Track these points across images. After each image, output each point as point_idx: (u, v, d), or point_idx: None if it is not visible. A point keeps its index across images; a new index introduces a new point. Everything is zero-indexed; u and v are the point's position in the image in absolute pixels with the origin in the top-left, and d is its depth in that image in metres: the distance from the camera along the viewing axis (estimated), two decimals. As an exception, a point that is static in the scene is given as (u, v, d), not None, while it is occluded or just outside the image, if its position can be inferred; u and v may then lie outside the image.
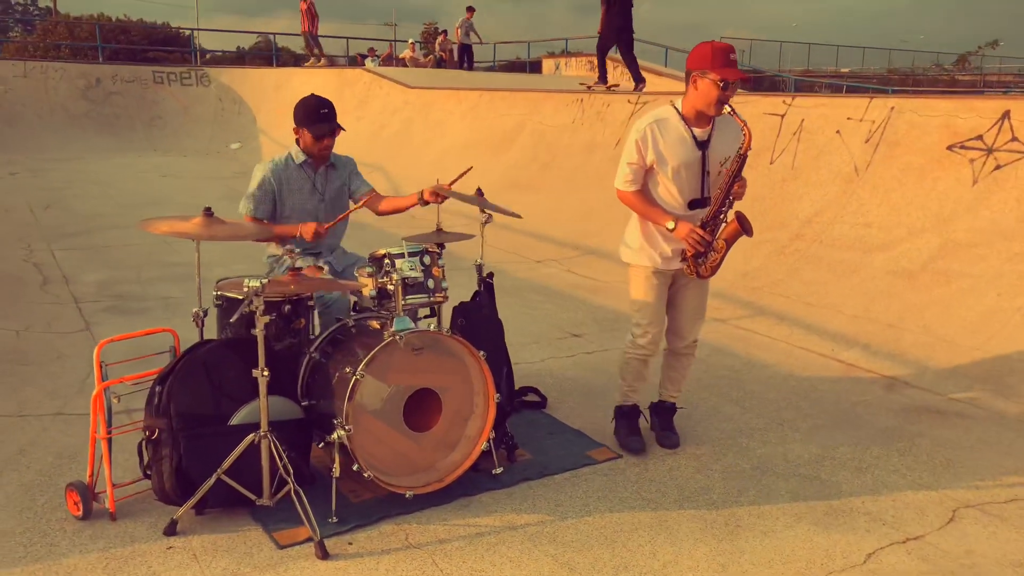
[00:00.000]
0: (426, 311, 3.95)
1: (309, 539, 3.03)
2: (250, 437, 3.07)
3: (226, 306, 3.51)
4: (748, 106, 8.44)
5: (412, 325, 3.36)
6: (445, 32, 23.64)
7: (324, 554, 2.93)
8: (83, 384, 4.53)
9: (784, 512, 3.33)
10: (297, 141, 4.11)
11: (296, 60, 26.62)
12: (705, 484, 3.56)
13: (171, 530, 3.05)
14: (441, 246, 3.89)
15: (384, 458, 3.24)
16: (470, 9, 22.01)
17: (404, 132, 14.27)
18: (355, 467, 3.19)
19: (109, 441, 3.17)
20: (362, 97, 16.35)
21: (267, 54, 36.08)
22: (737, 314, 6.19)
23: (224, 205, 11.50)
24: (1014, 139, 6.10)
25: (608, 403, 4.10)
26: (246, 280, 2.99)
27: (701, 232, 3.61)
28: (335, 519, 3.14)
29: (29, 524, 3.11)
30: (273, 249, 4.16)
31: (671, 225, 3.64)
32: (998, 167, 6.07)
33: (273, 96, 19.43)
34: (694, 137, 3.59)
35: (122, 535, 3.05)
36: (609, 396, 4.18)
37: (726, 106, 3.50)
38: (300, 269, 3.28)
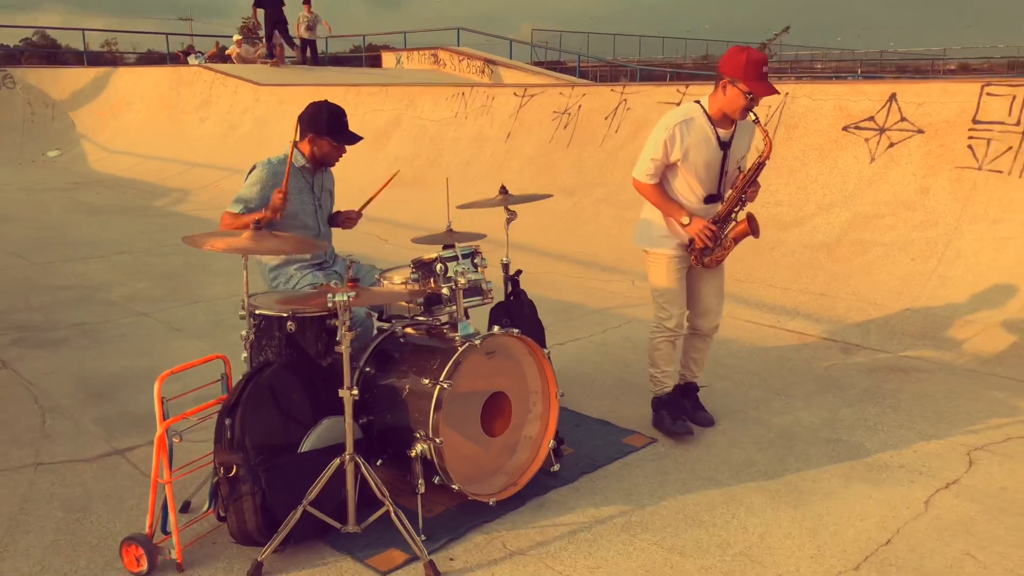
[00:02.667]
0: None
1: (408, 561, 2.89)
2: (336, 462, 2.87)
3: (264, 325, 3.25)
4: (642, 95, 8.77)
5: (474, 330, 3.27)
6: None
7: (436, 573, 2.81)
8: (45, 428, 4.04)
9: (831, 474, 3.53)
10: (296, 145, 3.86)
11: (113, 60, 24.66)
12: (747, 457, 3.71)
13: (256, 572, 2.80)
14: (451, 246, 3.79)
15: (461, 467, 3.14)
16: (307, 2, 21.27)
17: (259, 132, 13.62)
18: (436, 480, 3.07)
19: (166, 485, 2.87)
20: (204, 97, 15.43)
21: (46, 51, 33.14)
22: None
23: (77, 218, 10.73)
24: (903, 119, 6.72)
25: (600, 390, 4.24)
26: (330, 295, 2.79)
27: (713, 228, 3.76)
28: (423, 536, 3.01)
29: (87, 587, 2.76)
30: (274, 261, 3.89)
31: (686, 220, 3.79)
32: (891, 145, 6.67)
33: (93, 96, 17.95)
34: (718, 137, 3.72)
35: (203, 585, 2.78)
36: (599, 383, 4.34)
37: (750, 113, 3.66)
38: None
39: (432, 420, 2.99)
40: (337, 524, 2.91)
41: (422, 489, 3.04)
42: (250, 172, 3.84)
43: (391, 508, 2.86)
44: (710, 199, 3.84)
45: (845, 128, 6.95)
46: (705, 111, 3.75)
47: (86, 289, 6.74)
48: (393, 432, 3.16)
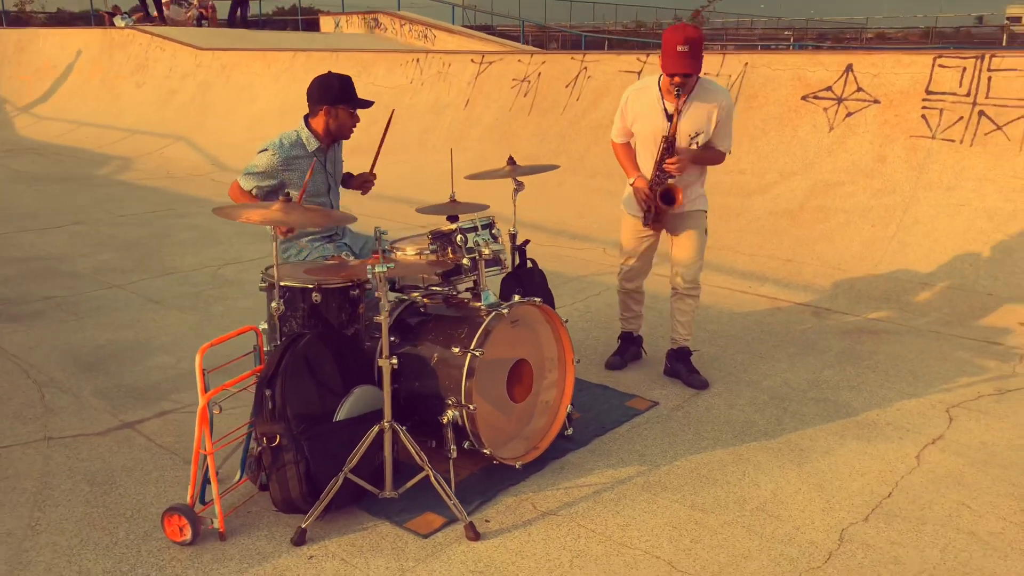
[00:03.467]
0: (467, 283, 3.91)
1: (445, 524, 2.99)
2: (375, 429, 2.94)
3: (288, 296, 3.25)
4: (602, 64, 8.85)
5: (496, 299, 3.35)
6: (205, -14, 21.93)
7: (476, 535, 2.91)
8: (45, 402, 3.98)
9: (826, 432, 3.75)
10: (309, 120, 3.86)
11: (23, 20, 23.48)
12: (746, 418, 3.90)
13: (301, 539, 2.86)
14: (455, 217, 3.85)
15: (488, 432, 3.23)
16: None
17: (201, 98, 13.26)
18: (467, 445, 3.16)
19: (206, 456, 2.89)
20: (140, 60, 14.89)
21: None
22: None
23: (17, 188, 10.38)
24: (859, 89, 6.98)
25: (594, 355, 4.59)
26: (370, 266, 2.83)
27: (646, 192, 4.02)
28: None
29: (132, 560, 2.78)
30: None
31: (631, 180, 4.12)
32: (849, 114, 6.93)
33: (15, 60, 17.15)
34: (664, 109, 3.88)
35: (249, 554, 2.82)
36: (590, 349, 4.65)
37: (676, 88, 3.78)
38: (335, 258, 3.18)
39: (465, 387, 3.07)
40: (375, 490, 2.98)
41: (454, 454, 3.13)
42: (261, 151, 3.80)
43: (431, 473, 2.94)
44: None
45: (804, 98, 7.18)
46: (658, 83, 3.93)
47: (48, 261, 6.55)
48: (420, 400, 3.23)
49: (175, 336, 4.91)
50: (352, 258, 3.72)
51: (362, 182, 4.13)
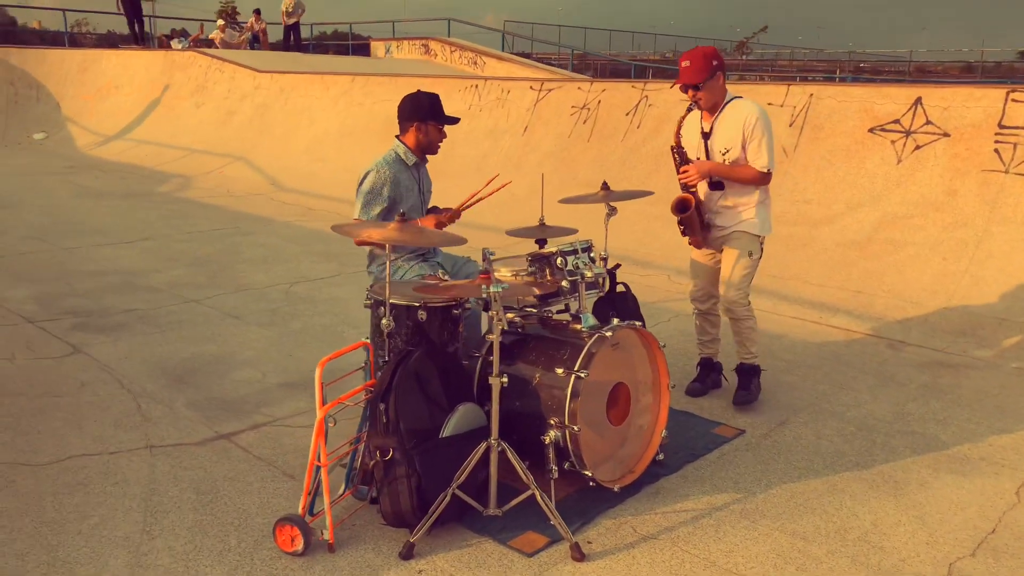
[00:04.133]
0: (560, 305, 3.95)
1: (549, 544, 3.01)
2: (483, 446, 2.98)
3: (395, 313, 3.31)
4: (664, 92, 8.92)
5: (595, 321, 3.39)
6: (258, 11, 22.45)
7: (581, 555, 2.93)
8: (143, 411, 4.07)
9: (919, 465, 3.72)
10: (400, 138, 3.96)
11: (76, 42, 24.13)
12: (835, 448, 3.88)
13: (409, 553, 2.89)
14: (544, 241, 3.90)
15: (588, 455, 3.25)
16: None
17: (259, 120, 13.53)
18: (567, 466, 3.19)
19: (319, 469, 2.94)
20: (200, 82, 15.25)
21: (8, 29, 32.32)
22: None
23: (85, 203, 10.68)
24: (928, 123, 6.96)
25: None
26: (484, 287, 2.88)
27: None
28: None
29: (247, 568, 2.83)
30: (380, 253, 3.95)
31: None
32: (918, 147, 6.91)
33: (78, 80, 17.63)
34: (702, 128, 4.08)
35: (359, 566, 2.86)
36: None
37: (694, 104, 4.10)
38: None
39: (569, 408, 3.10)
40: (479, 507, 3.01)
41: (556, 475, 3.15)
42: (364, 177, 3.88)
43: (537, 493, 2.97)
44: (713, 186, 4.16)
45: (871, 130, 7.17)
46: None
47: (124, 275, 6.70)
48: (521, 419, 3.26)
49: (257, 351, 5.00)
50: (447, 277, 3.78)
51: (448, 218, 4.13)
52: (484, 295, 2.89)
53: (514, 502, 3.03)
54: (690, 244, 4.34)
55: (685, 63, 3.99)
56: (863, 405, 4.40)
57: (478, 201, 3.97)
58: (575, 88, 9.69)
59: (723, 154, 4.08)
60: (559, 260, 3.42)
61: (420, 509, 2.92)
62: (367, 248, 4.00)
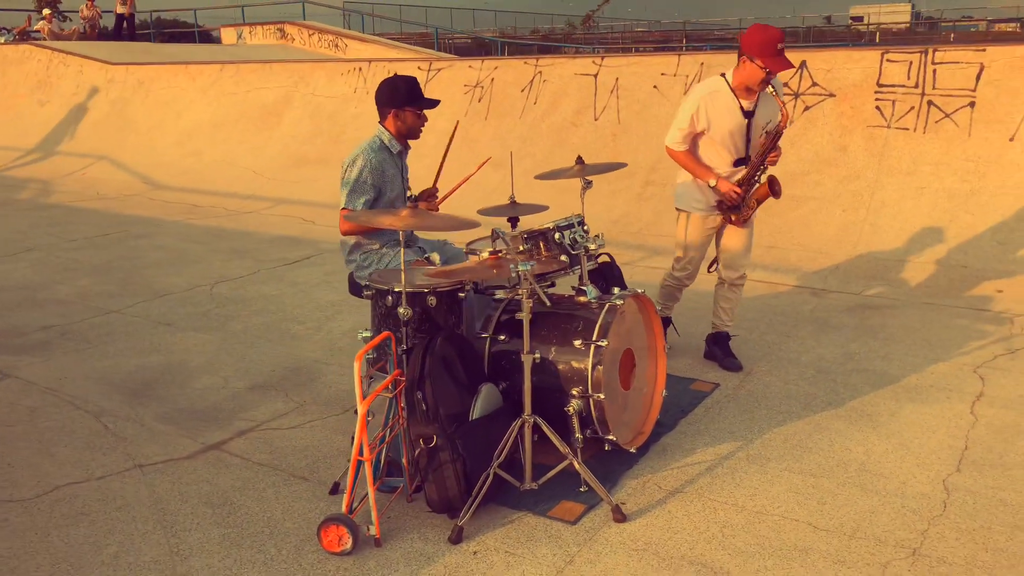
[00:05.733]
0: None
1: (588, 510, 3.09)
2: (517, 423, 3.01)
3: (401, 301, 3.26)
4: (557, 67, 9.06)
5: (597, 292, 3.47)
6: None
7: (623, 516, 3.02)
8: (111, 432, 3.82)
9: (882, 398, 4.04)
10: (382, 124, 3.88)
11: None
12: (804, 391, 4.15)
13: (458, 537, 2.90)
14: (516, 219, 3.94)
15: (610, 420, 3.34)
16: None
17: (119, 115, 12.71)
18: (588, 433, 3.27)
19: (361, 463, 2.88)
20: (41, 78, 14.12)
21: None
22: (637, 256, 6.85)
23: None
24: (815, 84, 7.43)
25: None
26: (514, 265, 2.90)
27: (738, 190, 4.19)
28: (585, 488, 3.20)
29: (304, 573, 2.75)
30: (364, 239, 3.86)
31: (712, 182, 4.22)
32: (807, 108, 7.37)
33: None
34: (741, 107, 4.11)
35: (413, 556, 2.84)
36: None
37: (769, 86, 4.05)
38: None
39: (593, 377, 3.18)
40: (516, 482, 3.05)
41: (581, 444, 3.23)
42: (350, 166, 3.77)
43: (576, 462, 3.04)
44: (739, 162, 4.24)
45: (763, 95, 7.57)
46: (728, 84, 4.12)
47: (21, 291, 6.20)
48: (539, 393, 3.29)
49: (206, 357, 4.78)
50: (437, 262, 3.76)
51: (428, 196, 4.11)
52: (514, 273, 2.91)
53: (551, 473, 3.08)
54: (733, 223, 4.34)
55: (782, 45, 3.95)
56: (812, 350, 4.72)
57: (444, 162, 3.97)
58: (466, 67, 9.68)
59: (764, 128, 4.16)
60: (557, 235, 3.47)
61: (467, 492, 2.93)
62: (347, 238, 3.89)
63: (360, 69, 10.52)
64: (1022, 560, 2.76)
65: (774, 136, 4.13)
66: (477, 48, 28.49)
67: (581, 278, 3.93)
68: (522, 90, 9.10)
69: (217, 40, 20.92)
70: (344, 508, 2.87)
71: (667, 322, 4.73)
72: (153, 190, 10.52)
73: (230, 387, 4.34)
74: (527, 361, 2.99)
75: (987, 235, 6.09)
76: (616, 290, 3.45)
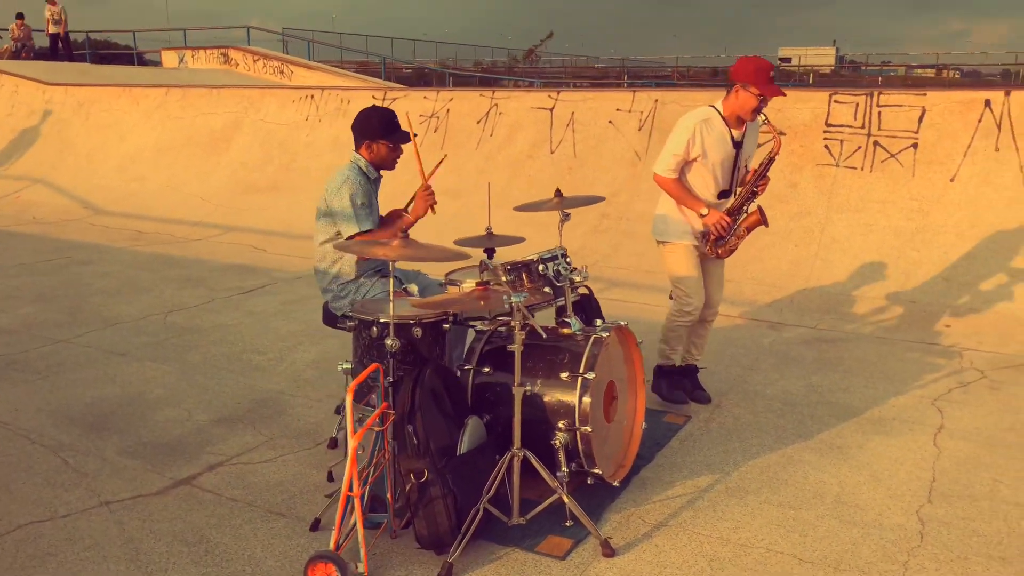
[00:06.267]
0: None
1: (575, 545, 3.07)
2: (507, 456, 2.99)
3: (386, 332, 3.22)
4: (513, 100, 9.15)
5: (580, 324, 3.48)
6: (22, 16, 20.32)
7: (611, 551, 3.01)
8: (72, 467, 3.66)
9: (849, 431, 4.13)
10: (357, 152, 3.86)
11: None
12: (773, 424, 4.22)
13: (448, 574, 2.85)
14: (491, 251, 3.96)
15: (596, 453, 3.34)
16: None
17: (57, 137, 12.34)
18: (574, 467, 3.26)
19: (350, 499, 2.82)
20: (-27, 97, 13.63)
21: None
22: (596, 288, 6.87)
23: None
24: (766, 122, 7.64)
25: None
26: (506, 297, 2.89)
27: (728, 220, 4.24)
28: (570, 522, 3.19)
29: (287, 614, 2.66)
30: (346, 269, 3.81)
31: (704, 212, 4.22)
32: (759, 145, 7.56)
33: None
34: (732, 137, 4.18)
35: (403, 593, 2.78)
36: None
37: (760, 115, 4.16)
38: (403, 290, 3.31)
39: (580, 410, 3.18)
40: (504, 517, 3.02)
41: (567, 477, 3.21)
42: (338, 193, 3.73)
43: (565, 496, 3.02)
44: (723, 194, 4.30)
45: (716, 132, 7.77)
46: (720, 113, 4.20)
47: (-38, 317, 5.93)
48: (526, 426, 3.27)
49: (166, 388, 4.63)
50: (416, 293, 3.74)
51: (397, 216, 4.06)
52: (507, 304, 2.90)
53: (539, 508, 3.06)
54: (719, 256, 4.30)
55: (774, 73, 4.07)
56: (776, 383, 4.81)
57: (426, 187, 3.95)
58: (421, 97, 9.70)
59: (747, 160, 4.27)
60: (541, 267, 3.48)
61: (457, 528, 2.88)
62: (323, 266, 3.83)
63: (312, 96, 10.44)
64: (1000, 589, 2.84)
65: (767, 163, 4.20)
66: (418, 79, 28.56)
67: (565, 310, 3.96)
68: (478, 122, 9.15)
69: (157, 63, 20.53)
70: (332, 545, 2.80)
71: (676, 371, 4.52)
72: (94, 215, 10.22)
73: (194, 420, 4.21)
74: (518, 394, 2.98)
75: (933, 271, 6.32)
76: (599, 322, 3.46)
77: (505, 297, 2.91)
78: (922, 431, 4.12)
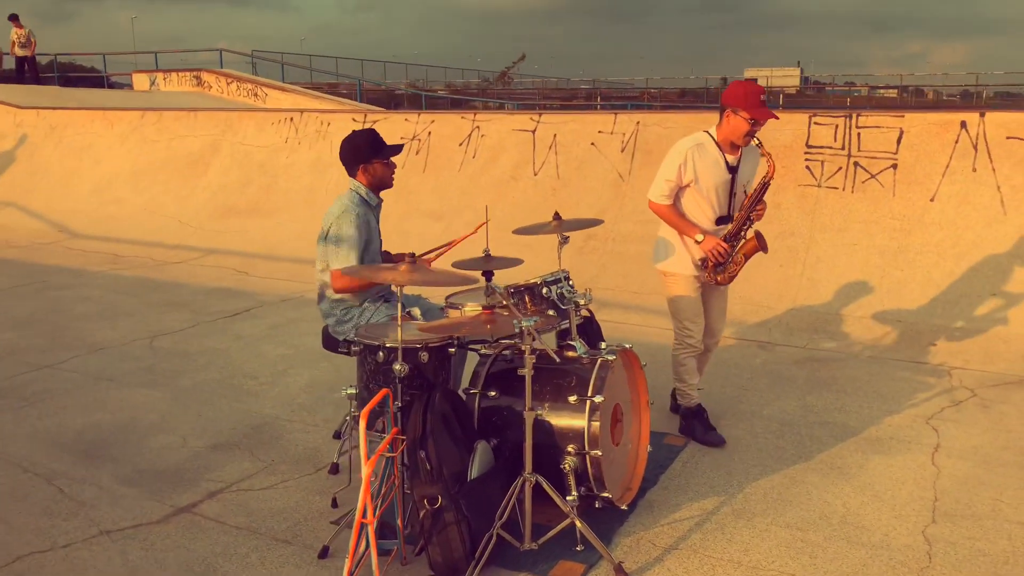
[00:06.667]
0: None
1: (588, 569, 3.06)
2: (519, 480, 2.97)
3: (394, 356, 3.20)
4: (495, 122, 9.18)
5: (585, 347, 3.48)
6: (-9, 38, 20.10)
7: (625, 576, 3.00)
8: (68, 496, 3.58)
9: (848, 451, 4.16)
10: (355, 179, 3.85)
11: None
12: (773, 445, 4.24)
13: (463, 602, 2.82)
14: (490, 274, 3.95)
15: (606, 477, 3.33)
16: (15, 19, 19.15)
17: (29, 161, 12.16)
18: (583, 491, 3.24)
19: (364, 526, 2.77)
20: (-59, 119, 13.40)
21: None
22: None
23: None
24: (759, 145, 7.73)
25: None
26: (516, 321, 2.88)
27: (725, 245, 4.25)
28: (581, 547, 3.17)
29: (302, 646, 2.61)
30: (348, 296, 3.78)
31: (700, 238, 4.23)
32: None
33: None
34: (726, 162, 4.21)
35: (418, 623, 2.74)
36: None
37: (754, 138, 4.20)
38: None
39: (589, 434, 3.17)
40: (516, 542, 3.00)
41: (577, 501, 3.20)
42: (336, 223, 3.70)
43: (578, 522, 3.00)
44: (721, 220, 4.32)
45: (699, 154, 7.85)
46: (713, 139, 4.23)
47: (-60, 344, 5.79)
48: (534, 450, 3.26)
49: (159, 414, 4.55)
50: (420, 317, 3.72)
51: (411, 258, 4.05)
52: (517, 328, 2.89)
53: (551, 533, 3.04)
54: (719, 283, 4.29)
55: (764, 97, 4.06)
56: (772, 403, 4.83)
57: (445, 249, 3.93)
58: (402, 120, 9.70)
59: (744, 185, 4.24)
60: (545, 290, 3.48)
61: (471, 554, 2.85)
62: (328, 291, 3.80)
63: (292, 119, 10.40)
64: (1012, 607, 2.86)
65: (761, 188, 4.21)
66: (388, 100, 28.61)
67: (569, 333, 3.95)
68: (460, 144, 9.16)
69: (128, 86, 20.35)
70: (345, 574, 2.75)
71: (702, 410, 4.38)
72: (70, 239, 10.06)
73: (190, 446, 4.13)
74: (529, 418, 2.97)
75: (917, 290, 6.41)
76: (603, 344, 3.47)
77: (515, 322, 2.90)
78: (920, 450, 4.16)
